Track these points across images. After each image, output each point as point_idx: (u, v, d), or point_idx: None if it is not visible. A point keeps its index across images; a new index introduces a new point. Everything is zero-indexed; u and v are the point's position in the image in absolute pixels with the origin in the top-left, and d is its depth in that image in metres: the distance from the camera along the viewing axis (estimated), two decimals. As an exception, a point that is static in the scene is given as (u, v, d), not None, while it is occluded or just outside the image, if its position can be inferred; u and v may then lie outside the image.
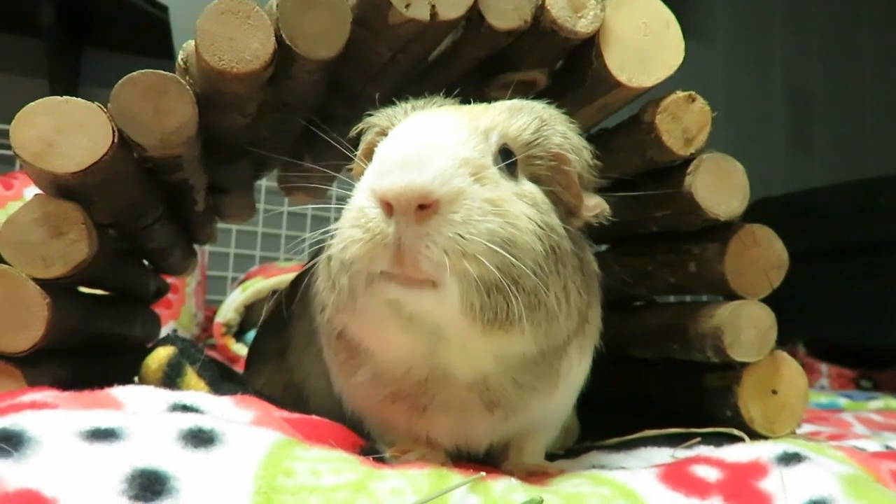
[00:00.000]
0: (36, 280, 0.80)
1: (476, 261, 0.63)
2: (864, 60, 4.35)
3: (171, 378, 0.93)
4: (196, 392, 0.81)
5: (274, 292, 2.47)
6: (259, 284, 2.53)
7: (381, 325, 0.69)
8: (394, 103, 0.82)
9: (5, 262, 0.80)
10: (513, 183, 0.71)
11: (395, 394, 0.76)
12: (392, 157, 0.65)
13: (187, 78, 0.86)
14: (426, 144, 0.66)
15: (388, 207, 0.64)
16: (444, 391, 0.74)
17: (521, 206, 0.69)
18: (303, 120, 1.04)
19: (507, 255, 0.64)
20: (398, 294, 0.66)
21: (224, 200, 1.35)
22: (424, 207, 0.63)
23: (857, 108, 4.33)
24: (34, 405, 0.64)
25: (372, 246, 0.64)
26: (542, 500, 0.60)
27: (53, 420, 0.58)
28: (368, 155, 0.76)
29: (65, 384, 0.75)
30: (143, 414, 0.65)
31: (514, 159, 0.73)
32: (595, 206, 0.78)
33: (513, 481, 0.65)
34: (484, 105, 0.79)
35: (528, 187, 0.73)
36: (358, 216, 0.66)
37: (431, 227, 0.63)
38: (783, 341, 1.01)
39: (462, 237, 0.63)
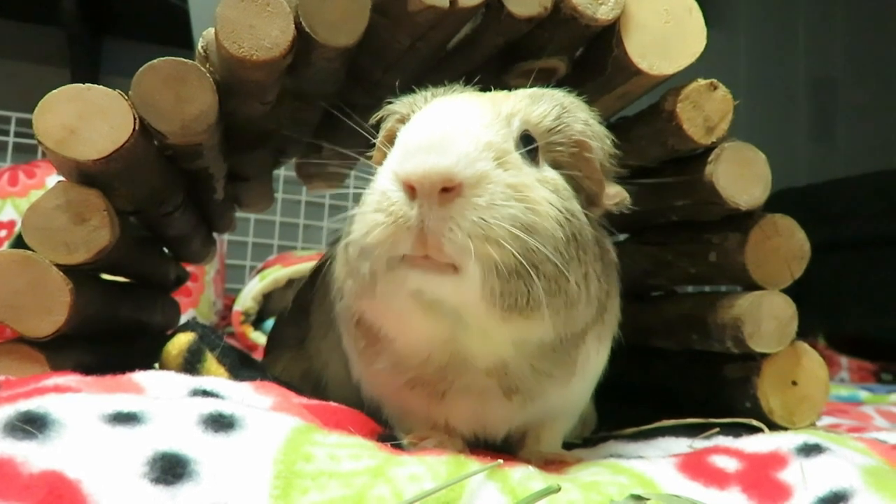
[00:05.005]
0: (59, 266, 0.81)
1: (499, 245, 0.63)
2: (889, 49, 4.27)
3: (191, 364, 0.94)
4: (216, 378, 0.82)
5: (291, 281, 2.49)
6: (277, 273, 2.54)
7: (402, 310, 0.69)
8: (413, 91, 0.81)
9: (29, 248, 0.81)
10: (534, 169, 0.71)
11: (414, 380, 0.76)
12: (415, 141, 0.65)
13: (207, 66, 0.86)
14: (449, 128, 0.66)
15: (411, 191, 0.63)
16: (463, 377, 0.74)
17: (543, 192, 0.68)
18: (323, 105, 1.04)
19: (529, 240, 0.64)
20: (419, 281, 0.65)
21: (243, 189, 1.36)
22: (448, 190, 0.63)
23: (881, 97, 4.25)
24: (58, 389, 0.65)
25: (394, 229, 0.64)
26: (560, 488, 0.60)
27: (77, 403, 0.59)
28: (389, 142, 0.76)
29: (87, 369, 0.75)
30: (165, 399, 0.65)
31: (535, 145, 0.73)
32: (615, 194, 0.78)
33: (530, 469, 0.65)
34: (505, 92, 0.78)
35: (550, 173, 0.73)
36: (380, 200, 0.66)
37: (455, 211, 0.63)
38: (802, 333, 1.00)
39: (486, 221, 0.63)
